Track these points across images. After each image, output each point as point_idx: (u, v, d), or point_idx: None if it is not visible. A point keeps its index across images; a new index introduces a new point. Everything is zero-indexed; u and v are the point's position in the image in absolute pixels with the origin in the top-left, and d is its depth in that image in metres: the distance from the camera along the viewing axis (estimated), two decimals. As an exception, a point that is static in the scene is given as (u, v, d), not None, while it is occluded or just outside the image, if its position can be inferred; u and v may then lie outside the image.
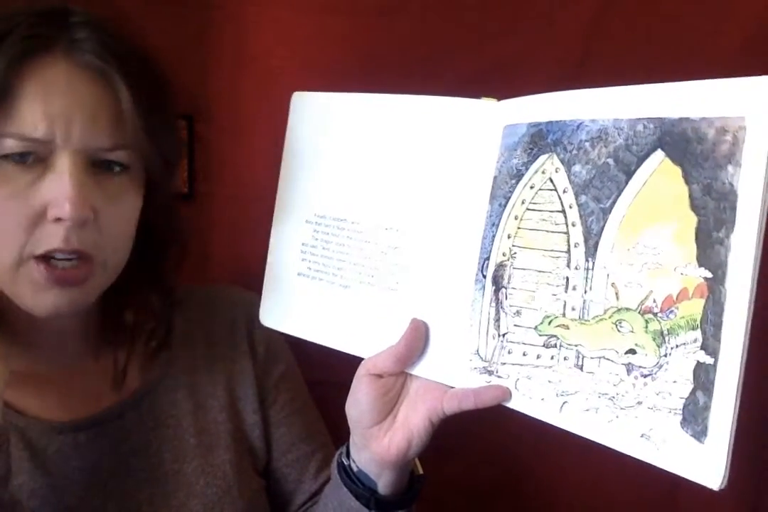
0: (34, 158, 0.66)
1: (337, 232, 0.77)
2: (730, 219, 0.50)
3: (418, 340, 0.69)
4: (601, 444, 0.57)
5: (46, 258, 0.66)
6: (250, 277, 0.86)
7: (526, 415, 0.62)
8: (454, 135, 0.70)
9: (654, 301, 0.54)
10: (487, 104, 0.68)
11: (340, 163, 0.77)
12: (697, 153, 0.52)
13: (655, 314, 0.53)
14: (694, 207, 0.52)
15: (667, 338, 0.53)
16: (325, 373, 0.86)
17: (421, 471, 0.76)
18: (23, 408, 0.73)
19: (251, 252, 0.85)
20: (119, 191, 0.69)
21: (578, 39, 0.99)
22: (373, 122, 0.76)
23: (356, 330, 0.74)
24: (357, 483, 0.73)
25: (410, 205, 0.72)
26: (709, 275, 0.51)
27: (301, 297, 0.79)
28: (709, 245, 0.51)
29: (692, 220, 0.52)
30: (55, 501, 0.71)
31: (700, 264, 0.51)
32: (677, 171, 0.53)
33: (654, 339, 0.53)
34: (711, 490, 0.98)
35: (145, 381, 0.80)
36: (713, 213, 0.51)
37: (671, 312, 0.53)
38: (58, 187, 0.65)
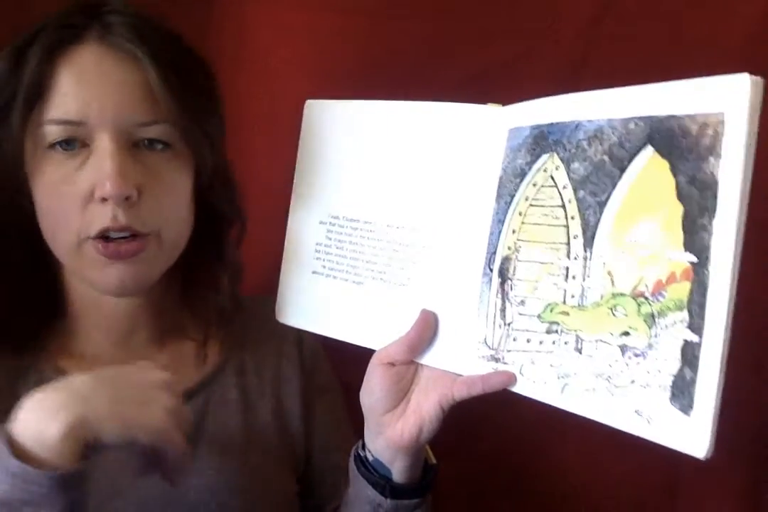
0: (78, 144, 0.69)
1: (350, 232, 0.81)
2: (712, 206, 0.54)
3: (428, 329, 0.73)
4: (600, 428, 0.60)
5: (101, 237, 0.70)
6: (250, 276, 0.88)
7: (530, 401, 0.65)
8: (461, 138, 0.74)
9: (645, 286, 0.57)
10: (492, 109, 0.73)
11: (353, 166, 0.81)
12: (683, 147, 0.56)
13: (647, 298, 0.57)
14: (681, 196, 0.56)
15: (657, 319, 0.56)
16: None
17: (434, 461, 0.79)
18: None
19: (250, 251, 0.86)
20: (164, 168, 0.72)
21: (579, 40, 0.99)
22: (384, 128, 0.80)
23: (369, 324, 0.78)
24: (372, 472, 0.76)
25: (421, 204, 0.77)
26: (695, 259, 0.54)
27: (316, 295, 0.83)
28: (694, 231, 0.55)
29: (679, 208, 0.56)
30: (108, 483, 0.73)
31: (687, 250, 0.55)
32: (665, 164, 0.57)
33: (645, 321, 0.57)
34: (712, 490, 1.00)
35: (203, 377, 0.83)
36: (697, 201, 0.55)
37: (660, 295, 0.56)
38: (100, 167, 0.68)
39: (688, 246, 0.55)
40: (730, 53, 0.96)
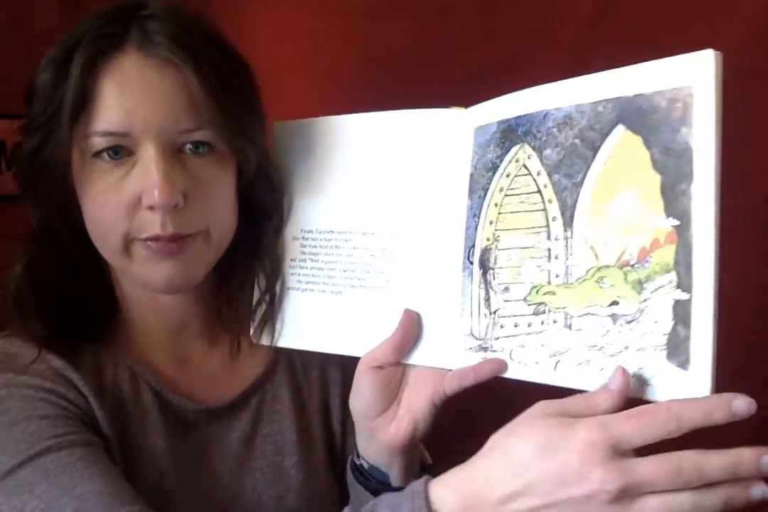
0: (124, 153, 0.70)
1: (324, 244, 0.82)
2: (689, 172, 0.57)
3: (412, 329, 0.74)
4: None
5: (149, 239, 0.71)
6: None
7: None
8: (428, 142, 0.77)
9: (630, 255, 0.60)
10: (455, 112, 0.76)
11: (325, 181, 0.83)
12: (654, 121, 0.60)
13: (633, 266, 0.60)
14: (656, 167, 0.59)
15: (645, 285, 0.59)
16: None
17: (429, 461, 0.79)
18: (158, 374, 0.79)
19: None
20: (208, 171, 0.73)
21: (579, 40, 1.02)
22: (352, 141, 0.82)
23: (352, 332, 0.79)
24: (370, 479, 0.76)
25: (394, 210, 0.79)
26: (677, 223, 0.57)
27: (293, 310, 0.83)
28: (674, 197, 0.58)
29: (656, 178, 0.59)
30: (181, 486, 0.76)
31: (668, 215, 0.58)
32: (638, 139, 0.61)
33: (634, 288, 0.60)
34: None
35: (258, 375, 0.84)
36: (674, 169, 0.58)
37: (646, 261, 0.59)
38: (146, 177, 0.69)
39: (670, 211, 0.58)
40: (730, 53, 0.99)
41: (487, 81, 0.97)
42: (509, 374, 0.68)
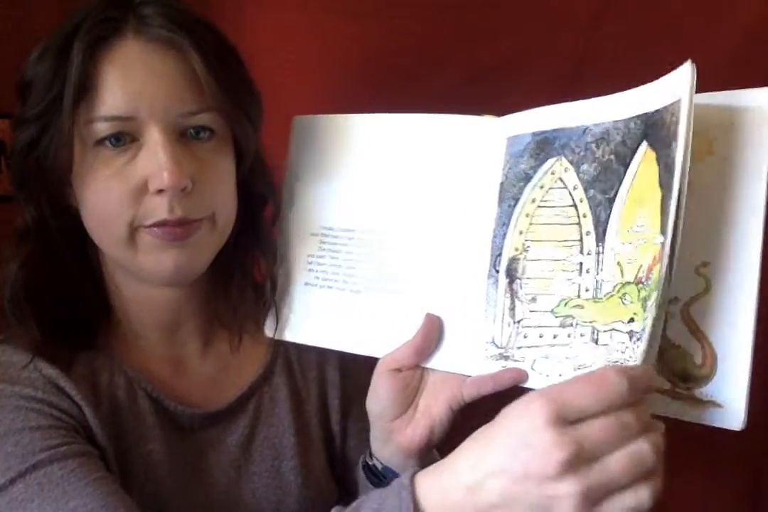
0: (127, 139, 0.69)
1: (345, 242, 0.82)
2: (672, 187, 0.57)
3: (434, 333, 0.74)
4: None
5: (155, 225, 0.70)
6: None
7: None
8: (458, 148, 0.77)
9: (642, 272, 0.61)
10: (488, 120, 0.76)
11: (347, 178, 0.83)
12: (663, 136, 0.60)
13: (642, 282, 0.61)
14: (660, 184, 0.60)
15: (647, 302, 0.60)
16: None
17: None
18: (154, 380, 0.78)
19: None
20: (212, 156, 0.72)
21: (579, 40, 1.02)
22: (375, 140, 0.81)
23: (370, 333, 0.79)
24: (383, 480, 0.76)
25: (420, 213, 0.78)
26: (662, 239, 0.58)
27: (311, 307, 0.83)
28: (666, 214, 0.58)
29: (659, 194, 0.60)
30: (175, 485, 0.75)
31: (661, 232, 0.59)
32: (653, 155, 0.61)
33: (642, 306, 0.60)
34: (712, 490, 1.01)
35: (255, 378, 0.83)
36: (667, 185, 0.59)
37: (648, 278, 0.60)
38: (154, 160, 0.68)
39: (662, 228, 0.59)
40: (730, 53, 1.00)
41: (486, 81, 1.00)
42: (530, 384, 0.68)
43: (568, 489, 0.49)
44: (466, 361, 0.73)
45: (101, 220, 0.71)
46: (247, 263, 0.83)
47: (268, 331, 0.84)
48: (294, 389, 0.85)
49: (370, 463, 0.78)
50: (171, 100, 0.69)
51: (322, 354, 0.86)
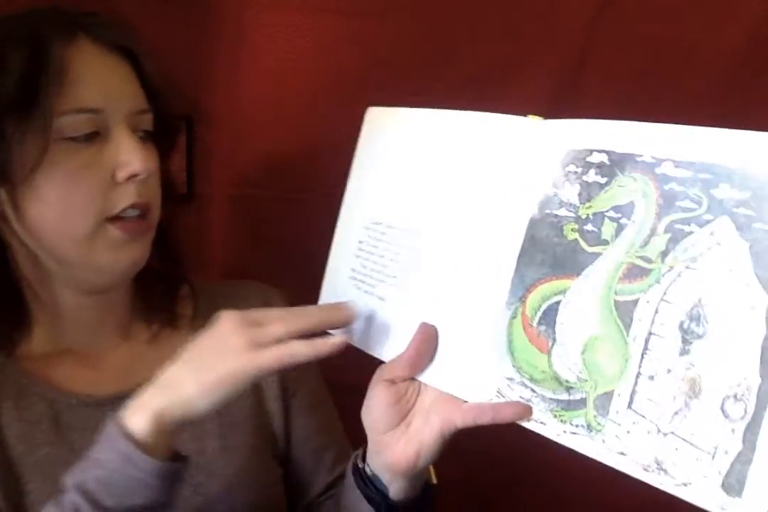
0: (89, 135, 0.71)
1: (385, 238, 0.77)
2: None
3: (427, 344, 0.69)
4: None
5: (117, 217, 0.73)
6: (249, 278, 0.87)
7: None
8: (506, 153, 0.69)
9: None
10: (534, 122, 0.67)
11: (405, 175, 0.77)
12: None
13: None
14: None
15: None
16: (335, 375, 0.87)
17: (435, 481, 0.76)
18: (57, 382, 0.77)
19: (250, 253, 0.85)
20: (152, 153, 0.76)
21: (579, 40, 1.01)
22: (438, 138, 0.75)
23: (387, 335, 0.74)
24: (370, 487, 0.73)
25: (455, 217, 0.72)
26: None
27: (347, 300, 0.77)
28: None
29: None
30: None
31: None
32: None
33: None
34: None
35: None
36: None
37: None
38: (125, 148, 0.72)
39: None
40: (730, 53, 0.99)
41: (486, 81, 0.99)
42: (530, 426, 0.63)
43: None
44: (467, 385, 0.67)
45: (66, 215, 0.72)
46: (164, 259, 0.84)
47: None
48: None
49: (360, 466, 0.75)
50: (131, 97, 0.75)
51: None
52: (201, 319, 0.82)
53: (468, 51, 1.01)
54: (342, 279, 0.80)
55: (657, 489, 1.00)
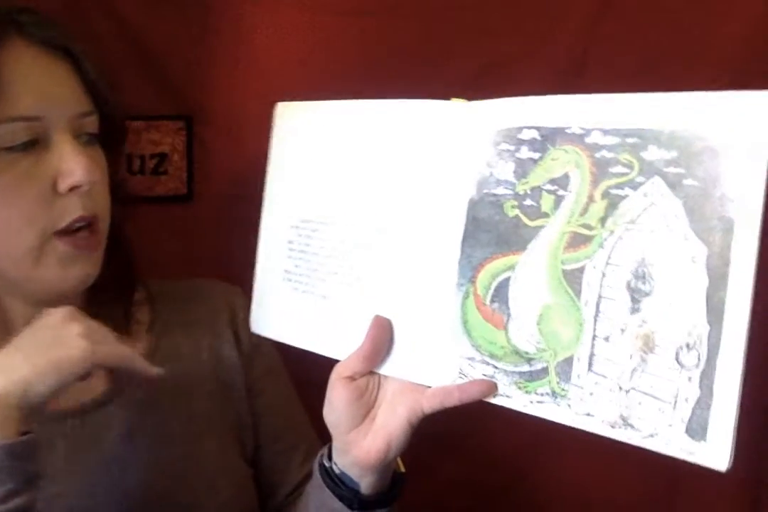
0: (27, 144, 0.68)
1: (317, 235, 0.76)
2: None
3: (382, 336, 0.70)
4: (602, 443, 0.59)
5: (66, 231, 0.69)
6: (248, 278, 0.84)
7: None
8: (430, 136, 0.70)
9: None
10: (462, 105, 0.68)
11: (326, 168, 0.77)
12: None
13: None
14: None
15: None
16: (304, 374, 0.85)
17: (402, 469, 0.76)
18: None
19: (249, 253, 0.82)
20: (98, 160, 0.73)
21: (579, 39, 1.02)
22: (355, 128, 0.76)
23: (335, 334, 0.74)
24: (340, 485, 0.73)
25: (395, 206, 0.72)
26: None
27: (281, 302, 0.78)
28: None
29: None
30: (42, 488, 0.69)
31: None
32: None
33: None
34: (711, 492, 1.03)
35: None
36: None
37: None
38: (66, 157, 0.68)
39: None
40: (730, 53, 1.00)
41: (486, 80, 0.99)
42: (497, 400, 0.63)
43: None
44: (429, 371, 0.67)
45: (6, 229, 0.69)
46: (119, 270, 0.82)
47: (252, 327, 0.82)
48: (180, 375, 0.81)
49: (327, 465, 0.74)
50: (71, 101, 0.71)
51: (214, 336, 0.85)
52: (160, 324, 0.83)
53: (468, 50, 1.01)
54: (276, 283, 0.79)
55: (652, 485, 1.03)
